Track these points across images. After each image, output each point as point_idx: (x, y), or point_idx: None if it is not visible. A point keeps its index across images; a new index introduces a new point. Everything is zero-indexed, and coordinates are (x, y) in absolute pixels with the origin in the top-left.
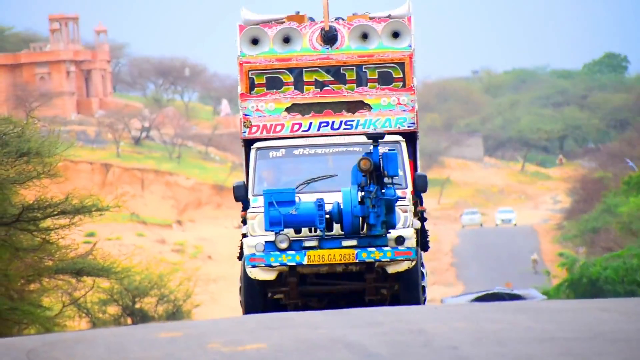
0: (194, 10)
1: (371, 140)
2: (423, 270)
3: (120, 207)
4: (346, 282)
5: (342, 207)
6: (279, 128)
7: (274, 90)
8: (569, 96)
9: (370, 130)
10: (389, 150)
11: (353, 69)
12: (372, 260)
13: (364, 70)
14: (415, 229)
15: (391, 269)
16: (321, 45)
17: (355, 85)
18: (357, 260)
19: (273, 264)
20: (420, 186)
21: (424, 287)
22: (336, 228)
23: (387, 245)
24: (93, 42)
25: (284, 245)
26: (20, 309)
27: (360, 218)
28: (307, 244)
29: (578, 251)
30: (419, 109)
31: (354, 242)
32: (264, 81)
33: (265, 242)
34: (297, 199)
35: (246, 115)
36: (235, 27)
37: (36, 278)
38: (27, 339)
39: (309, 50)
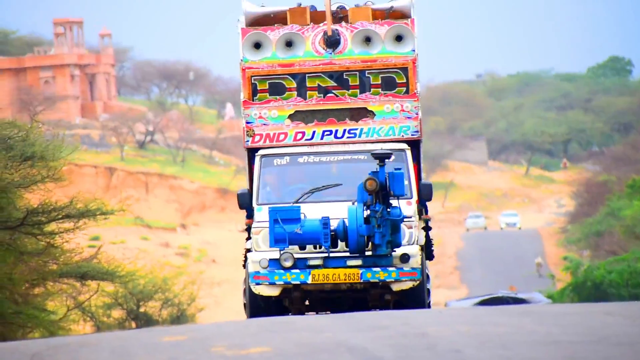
0: (199, 14)
1: (377, 160)
2: (427, 273)
3: (124, 210)
4: (350, 292)
5: (347, 225)
6: (282, 137)
7: (277, 97)
8: (573, 100)
9: (374, 138)
10: (394, 169)
11: (356, 74)
12: (377, 280)
13: (367, 75)
14: (420, 245)
15: (395, 287)
16: (324, 48)
17: (358, 90)
18: (361, 280)
19: (277, 283)
20: (425, 195)
21: (428, 290)
22: (341, 245)
23: (392, 266)
24: (97, 46)
25: (288, 264)
26: (25, 312)
27: (366, 237)
28: (311, 262)
29: (582, 255)
30: (423, 113)
31: (358, 262)
32: (267, 87)
33: (270, 259)
34: (302, 216)
35: (249, 123)
36: (237, 25)
37: (40, 282)
38: (32, 343)
39: (311, 54)
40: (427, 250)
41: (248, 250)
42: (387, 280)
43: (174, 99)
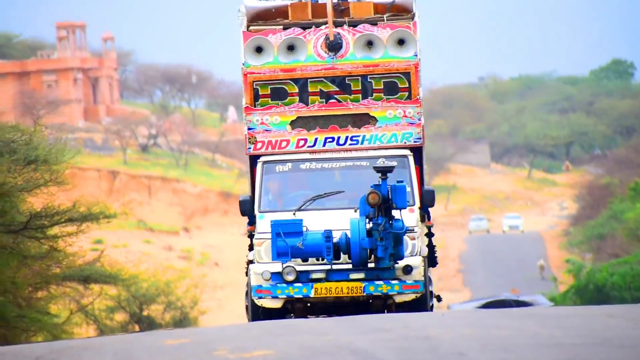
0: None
1: (379, 173)
2: (429, 276)
3: (127, 214)
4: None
5: (350, 237)
6: (284, 144)
7: (279, 102)
8: (575, 102)
9: (376, 145)
10: (397, 181)
11: (358, 79)
12: (380, 294)
13: (369, 80)
14: (422, 256)
15: (398, 299)
16: (326, 52)
17: (360, 95)
18: (364, 294)
19: (280, 296)
20: (428, 201)
21: (431, 292)
22: (343, 257)
23: (395, 278)
24: (100, 50)
25: (290, 278)
26: (28, 316)
27: (368, 250)
28: (314, 276)
29: (585, 257)
30: (425, 116)
31: (361, 275)
32: (269, 92)
33: (272, 273)
34: (304, 229)
35: (250, 129)
36: (238, 18)
37: (44, 285)
38: (35, 347)
39: (313, 59)
40: (431, 257)
41: (250, 262)
42: (390, 293)
43: (177, 103)
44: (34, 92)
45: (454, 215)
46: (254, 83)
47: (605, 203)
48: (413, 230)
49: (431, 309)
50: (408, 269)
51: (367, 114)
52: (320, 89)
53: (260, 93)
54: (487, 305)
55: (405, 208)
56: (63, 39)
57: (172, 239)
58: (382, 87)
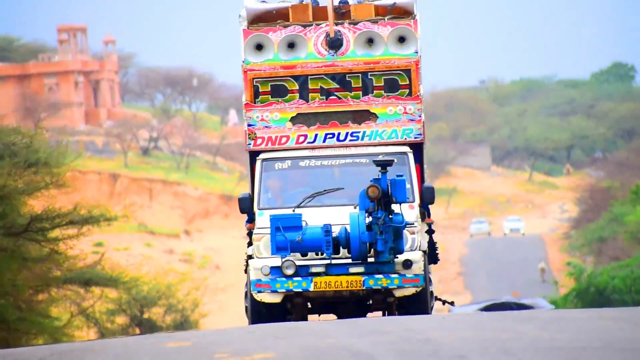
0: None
1: (379, 167)
2: (429, 276)
3: (128, 217)
4: (352, 298)
5: (349, 232)
6: (284, 140)
7: (279, 99)
8: (576, 106)
9: (377, 141)
10: (397, 175)
11: (359, 76)
12: (380, 287)
13: (369, 77)
14: (422, 251)
15: (398, 293)
16: (326, 50)
17: (361, 92)
18: (364, 287)
19: (279, 290)
20: (428, 198)
21: (432, 293)
22: (343, 251)
23: (394, 272)
24: (101, 53)
25: (290, 272)
26: (29, 319)
27: (368, 244)
28: (313, 270)
29: (586, 260)
30: (426, 119)
31: (361, 269)
32: (269, 89)
33: (271, 267)
34: (303, 223)
35: (250, 125)
36: (238, 21)
37: (45, 288)
38: (36, 349)
39: (314, 56)
40: (432, 254)
41: (249, 257)
42: (390, 287)
43: (178, 106)
44: (35, 95)
45: (455, 218)
46: (254, 80)
47: (606, 206)
48: (413, 225)
49: (431, 310)
50: (408, 263)
51: (368, 111)
52: (321, 86)
53: (260, 90)
54: (488, 308)
55: (405, 202)
56: (64, 42)
57: (173, 242)
58: (382, 84)
